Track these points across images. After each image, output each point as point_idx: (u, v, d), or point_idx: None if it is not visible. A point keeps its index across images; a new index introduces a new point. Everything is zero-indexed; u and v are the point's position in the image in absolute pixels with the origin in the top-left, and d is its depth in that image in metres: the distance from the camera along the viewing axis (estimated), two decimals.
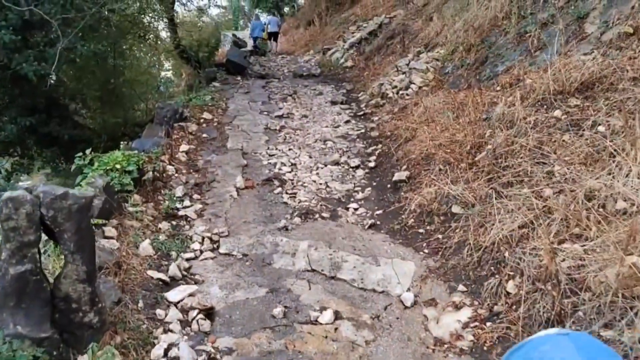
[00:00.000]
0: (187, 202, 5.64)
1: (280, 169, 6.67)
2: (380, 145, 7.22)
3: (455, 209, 4.75)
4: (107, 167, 5.34)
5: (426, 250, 4.49)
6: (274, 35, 19.49)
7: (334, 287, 4.16)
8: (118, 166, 5.35)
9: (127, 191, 5.27)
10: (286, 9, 41.77)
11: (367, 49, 13.87)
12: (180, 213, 5.35)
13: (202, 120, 8.37)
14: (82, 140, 11.47)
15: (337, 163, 6.81)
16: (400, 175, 5.65)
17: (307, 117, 9.16)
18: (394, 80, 9.78)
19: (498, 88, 7.00)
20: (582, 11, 6.95)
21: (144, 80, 21.73)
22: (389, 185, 5.78)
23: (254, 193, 6.01)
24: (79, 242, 3.02)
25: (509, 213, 4.32)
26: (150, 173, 5.97)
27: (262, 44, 19.13)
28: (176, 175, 6.30)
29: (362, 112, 9.38)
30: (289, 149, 7.41)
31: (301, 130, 8.33)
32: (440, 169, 5.45)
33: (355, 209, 5.47)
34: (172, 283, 4.16)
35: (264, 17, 20.80)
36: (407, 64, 9.98)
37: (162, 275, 4.13)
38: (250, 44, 21.12)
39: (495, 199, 4.53)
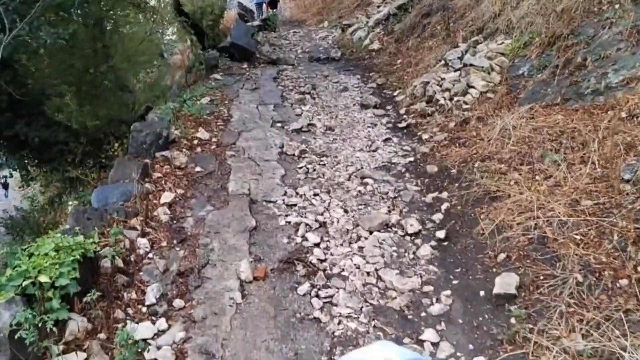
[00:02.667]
0: (162, 323, 3.37)
1: (304, 237, 4.37)
2: (445, 193, 4.87)
3: None
4: (27, 278, 3.08)
5: None
6: (273, 4, 17.83)
7: None
8: (44, 278, 3.08)
9: (57, 322, 3.04)
10: None
11: (397, 28, 11.24)
12: (149, 356, 3.11)
13: (195, 142, 6.01)
14: (57, 143, 9.19)
15: (386, 225, 4.50)
16: (504, 284, 3.34)
17: (334, 131, 6.77)
18: (443, 80, 7.31)
19: (624, 114, 4.60)
20: None
21: (144, 49, 19.40)
22: (482, 293, 3.50)
23: (266, 292, 3.75)
24: None
25: None
26: (109, 262, 3.71)
27: (272, 17, 16.39)
28: (151, 255, 4.03)
29: (403, 123, 6.96)
30: (314, 194, 5.08)
31: (327, 156, 5.96)
32: (577, 282, 3.16)
33: (436, 345, 3.20)
34: None
35: None
36: (460, 58, 7.48)
37: None
38: (256, 14, 18.80)
39: None
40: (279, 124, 6.90)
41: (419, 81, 7.84)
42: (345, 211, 4.78)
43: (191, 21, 20.06)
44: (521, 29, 7.10)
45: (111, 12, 10.30)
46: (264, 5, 18.40)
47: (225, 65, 9.80)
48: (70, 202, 8.94)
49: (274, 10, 18.44)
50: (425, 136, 6.35)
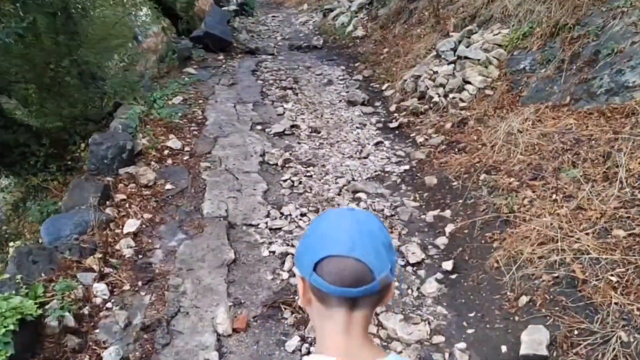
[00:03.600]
0: None
1: (291, 272, 3.74)
2: (448, 212, 4.27)
3: None
4: None
5: None
6: None
7: None
8: None
9: None
10: None
11: (382, 14, 10.49)
12: None
13: (165, 153, 5.27)
14: (19, 145, 8.34)
15: None
16: (533, 342, 2.72)
17: (320, 134, 6.08)
18: (436, 74, 6.64)
19: None
20: None
21: (116, 33, 18.65)
22: (504, 348, 2.91)
23: (248, 349, 3.11)
24: None
25: None
26: (56, 321, 3.03)
27: (250, 0, 15.40)
28: (110, 305, 3.35)
29: (395, 123, 6.31)
30: (301, 214, 4.43)
31: (314, 165, 5.29)
32: (622, 342, 2.60)
33: None
34: None
35: None
36: (453, 49, 6.81)
37: None
38: None
39: None
40: (259, 127, 6.18)
41: (409, 74, 7.16)
42: None
43: (164, 3, 18.94)
44: (519, 17, 6.45)
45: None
46: None
47: (200, 57, 8.95)
48: (33, 210, 8.10)
49: None
50: (419, 139, 5.71)
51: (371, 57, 8.86)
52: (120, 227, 4.05)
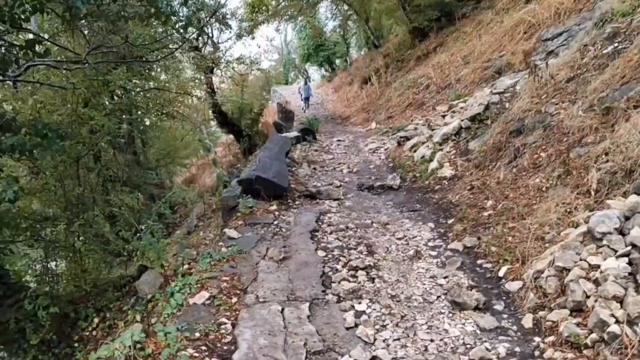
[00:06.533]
0: None
1: None
2: None
3: None
4: None
5: None
6: (307, 99, 21.38)
7: None
8: None
9: None
10: (337, 62, 37.35)
11: (474, 148, 8.27)
12: None
13: None
14: (17, 321, 6.48)
15: None
16: None
17: None
18: (596, 271, 4.08)
19: None
20: None
21: (185, 145, 18.38)
22: None
23: None
24: None
25: None
26: None
27: (313, 122, 13.96)
28: None
29: None
30: None
31: None
32: None
33: None
34: None
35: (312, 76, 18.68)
36: (619, 230, 4.30)
37: None
38: (301, 105, 21.12)
39: None
40: None
41: (544, 262, 4.64)
42: None
43: (229, 120, 18.09)
44: None
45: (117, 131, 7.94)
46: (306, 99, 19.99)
47: (247, 209, 6.97)
48: None
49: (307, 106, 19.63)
50: None
51: (470, 213, 6.47)
52: None
